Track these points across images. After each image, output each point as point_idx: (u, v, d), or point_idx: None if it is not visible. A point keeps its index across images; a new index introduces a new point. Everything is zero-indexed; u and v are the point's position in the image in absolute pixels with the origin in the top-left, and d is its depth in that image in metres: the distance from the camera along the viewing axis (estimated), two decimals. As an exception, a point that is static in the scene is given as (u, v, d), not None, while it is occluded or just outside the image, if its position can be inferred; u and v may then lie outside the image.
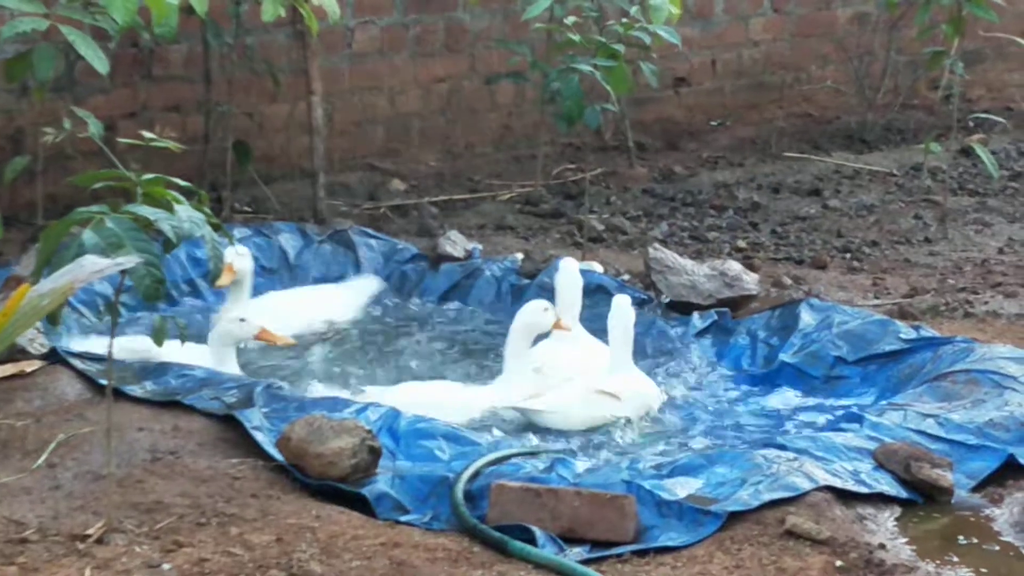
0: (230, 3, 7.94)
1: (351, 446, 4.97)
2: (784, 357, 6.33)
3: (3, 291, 2.70)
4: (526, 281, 7.10)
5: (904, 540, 4.78)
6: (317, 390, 5.90)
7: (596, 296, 6.86)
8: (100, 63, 6.74)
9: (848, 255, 8.05)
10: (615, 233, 8.24)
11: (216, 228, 4.45)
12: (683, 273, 6.81)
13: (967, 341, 6.12)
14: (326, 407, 5.39)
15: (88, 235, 4.20)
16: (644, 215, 8.67)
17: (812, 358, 6.29)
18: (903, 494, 5.03)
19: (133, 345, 5.97)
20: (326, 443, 4.97)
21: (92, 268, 2.66)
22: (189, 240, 4.37)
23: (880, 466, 5.11)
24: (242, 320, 6.15)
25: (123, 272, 4.20)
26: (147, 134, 4.94)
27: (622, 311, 5.96)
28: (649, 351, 6.52)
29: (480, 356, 6.56)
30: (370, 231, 7.66)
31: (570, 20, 7.88)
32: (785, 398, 6.14)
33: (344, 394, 5.82)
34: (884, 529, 4.84)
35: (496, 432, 5.60)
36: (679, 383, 6.26)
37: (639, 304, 6.86)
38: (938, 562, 4.63)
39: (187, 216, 4.32)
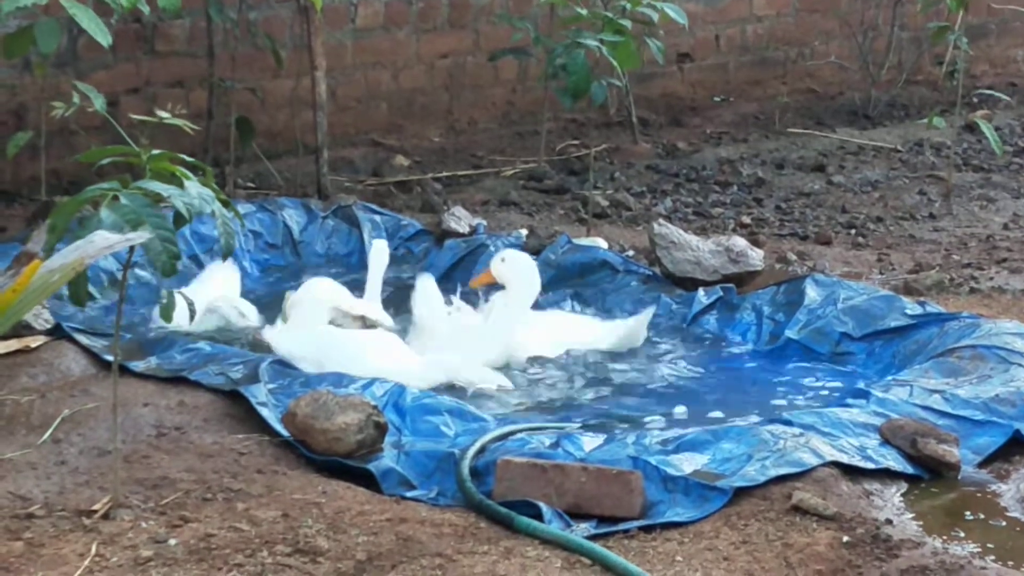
0: (234, -22, 7.94)
1: (357, 422, 4.97)
2: (790, 333, 6.33)
3: (14, 267, 2.69)
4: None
5: (911, 516, 4.78)
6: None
7: (601, 272, 6.87)
8: (102, 35, 6.71)
9: (853, 231, 8.04)
10: (619, 209, 8.23)
11: (225, 204, 4.44)
12: (688, 249, 6.80)
13: (973, 317, 6.12)
14: (332, 382, 5.38)
15: (105, 212, 4.20)
16: (648, 191, 8.66)
17: (818, 334, 6.28)
18: (909, 470, 5.02)
19: None
20: (332, 419, 4.97)
21: (103, 244, 2.65)
22: (198, 216, 4.37)
23: (886, 442, 5.11)
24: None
25: (131, 248, 4.20)
26: (161, 112, 4.93)
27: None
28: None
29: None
30: (374, 207, 7.65)
31: (576, -5, 7.87)
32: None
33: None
34: (891, 505, 4.84)
35: None
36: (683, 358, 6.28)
37: (643, 280, 6.85)
38: (945, 538, 4.63)
39: (197, 192, 4.32)
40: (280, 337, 6.04)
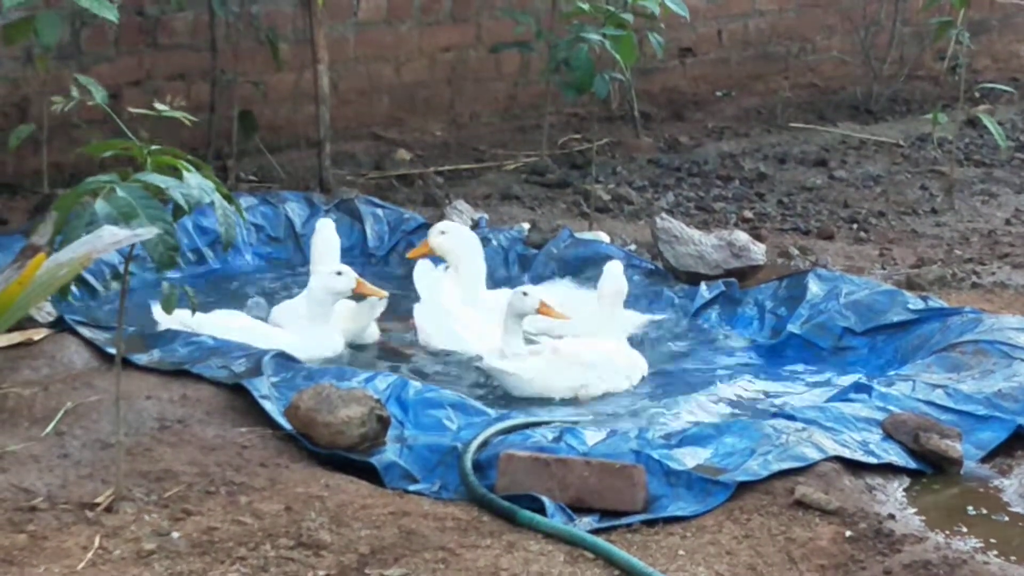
0: (236, -29, 7.94)
1: (360, 415, 4.97)
2: (792, 328, 6.33)
3: (19, 260, 2.69)
4: (533, 251, 7.09)
5: (913, 510, 4.78)
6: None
7: (604, 266, 6.85)
8: (109, 11, 6.64)
9: (855, 226, 8.04)
10: (621, 203, 8.23)
11: (227, 199, 4.44)
12: (690, 243, 6.80)
13: (975, 312, 6.12)
14: (334, 375, 5.38)
15: (100, 205, 4.20)
16: (650, 185, 8.66)
17: (820, 329, 6.28)
18: (912, 464, 5.03)
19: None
20: (335, 412, 4.97)
21: (111, 239, 2.65)
22: (197, 208, 4.36)
23: (889, 436, 5.11)
24: (339, 273, 6.10)
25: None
26: (159, 105, 4.93)
27: (614, 277, 6.06)
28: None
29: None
30: (376, 200, 7.65)
31: (578, -11, 7.86)
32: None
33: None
34: (893, 499, 4.84)
35: None
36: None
37: (647, 274, 6.86)
38: (947, 532, 4.63)
39: (197, 184, 4.32)
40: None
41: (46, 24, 6.87)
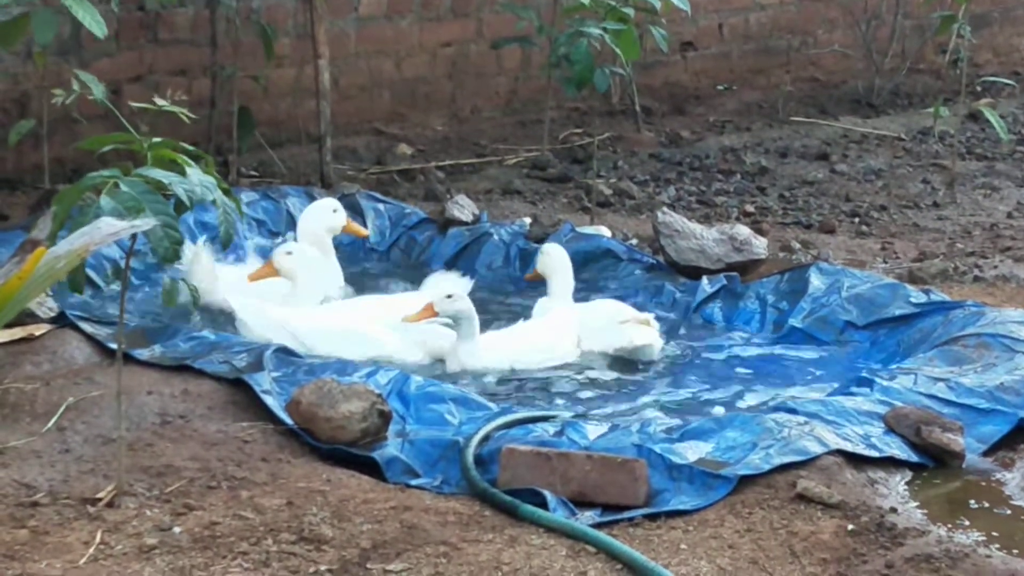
0: (236, -34, 7.94)
1: (361, 410, 4.97)
2: (794, 322, 6.33)
3: (19, 254, 2.69)
4: (534, 245, 7.08)
5: (915, 504, 4.78)
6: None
7: (605, 261, 6.85)
8: (97, 26, 6.67)
9: (856, 219, 8.04)
10: (623, 197, 8.23)
11: (226, 193, 4.43)
12: (692, 237, 6.80)
13: (977, 305, 6.12)
14: (336, 370, 5.38)
15: (105, 200, 4.20)
16: (651, 179, 8.66)
17: (822, 323, 6.28)
18: (914, 458, 5.02)
19: None
20: (336, 407, 4.97)
21: (108, 231, 2.65)
22: (200, 204, 4.36)
23: (891, 430, 5.10)
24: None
25: (133, 235, 4.19)
26: (159, 100, 4.92)
27: (557, 256, 6.38)
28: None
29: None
30: (377, 195, 7.64)
31: (580, -17, 7.85)
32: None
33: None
34: (895, 493, 4.84)
35: None
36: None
37: (648, 269, 6.85)
38: (949, 526, 4.63)
39: (198, 180, 4.31)
40: None
41: (40, 23, 6.85)
